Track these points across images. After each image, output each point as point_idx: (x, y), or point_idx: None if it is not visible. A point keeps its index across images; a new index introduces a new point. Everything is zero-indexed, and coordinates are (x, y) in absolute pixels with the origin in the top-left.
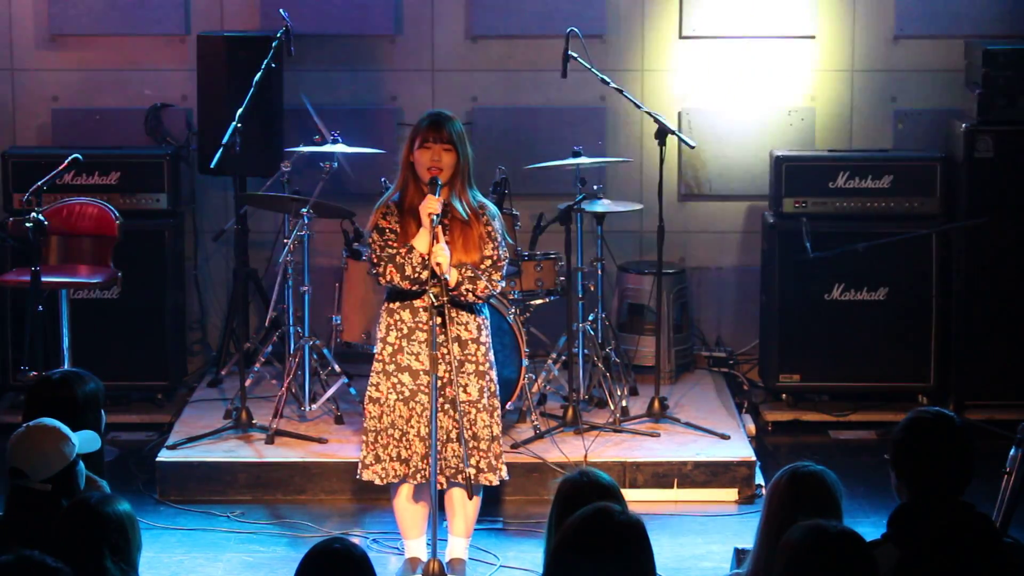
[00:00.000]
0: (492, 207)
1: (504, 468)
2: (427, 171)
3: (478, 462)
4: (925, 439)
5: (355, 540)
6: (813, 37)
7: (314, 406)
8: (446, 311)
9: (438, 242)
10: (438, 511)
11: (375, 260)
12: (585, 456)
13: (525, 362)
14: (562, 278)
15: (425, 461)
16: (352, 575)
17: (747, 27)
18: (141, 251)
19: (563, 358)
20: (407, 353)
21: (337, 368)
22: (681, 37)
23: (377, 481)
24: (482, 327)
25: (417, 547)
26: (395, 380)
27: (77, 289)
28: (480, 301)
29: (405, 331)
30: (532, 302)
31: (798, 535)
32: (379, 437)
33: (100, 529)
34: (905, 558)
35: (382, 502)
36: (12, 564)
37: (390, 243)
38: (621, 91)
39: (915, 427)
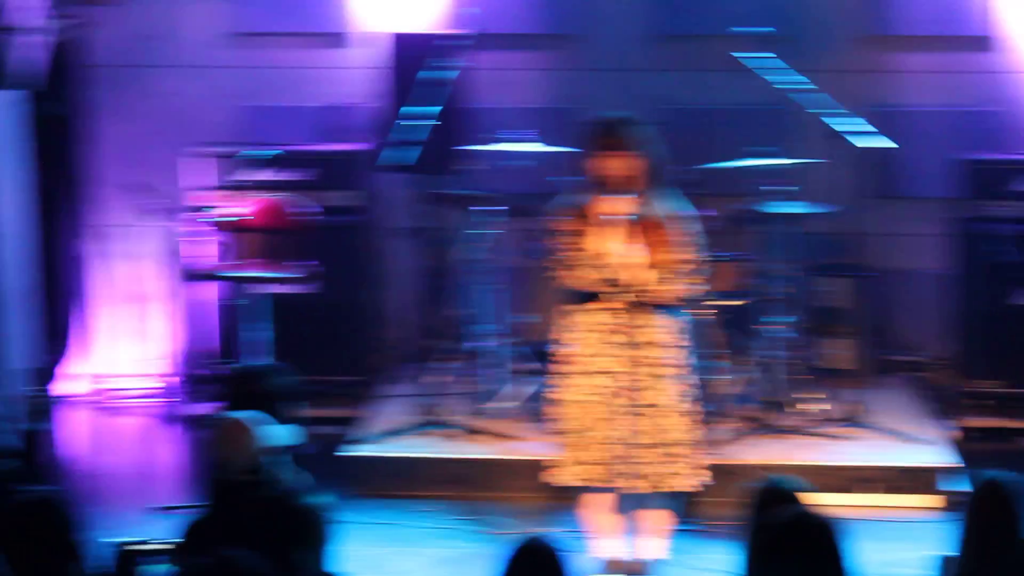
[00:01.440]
0: (687, 207)
1: (704, 474)
2: (608, 175)
3: (681, 467)
4: None
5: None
6: (991, 38)
7: (506, 404)
8: (639, 313)
9: (625, 244)
10: (634, 512)
11: (562, 263)
12: (780, 459)
13: (720, 364)
14: (756, 280)
15: (618, 464)
16: (553, 573)
17: (926, 27)
18: (336, 247)
19: (758, 360)
20: (599, 355)
21: (529, 367)
22: (873, 37)
23: (577, 483)
24: (680, 330)
25: (613, 548)
26: (589, 382)
27: (277, 283)
28: (676, 303)
29: (599, 333)
30: (726, 303)
31: None
32: (571, 440)
33: (297, 521)
34: None
35: (577, 500)
36: (213, 565)
37: (574, 246)
38: (812, 91)
39: None
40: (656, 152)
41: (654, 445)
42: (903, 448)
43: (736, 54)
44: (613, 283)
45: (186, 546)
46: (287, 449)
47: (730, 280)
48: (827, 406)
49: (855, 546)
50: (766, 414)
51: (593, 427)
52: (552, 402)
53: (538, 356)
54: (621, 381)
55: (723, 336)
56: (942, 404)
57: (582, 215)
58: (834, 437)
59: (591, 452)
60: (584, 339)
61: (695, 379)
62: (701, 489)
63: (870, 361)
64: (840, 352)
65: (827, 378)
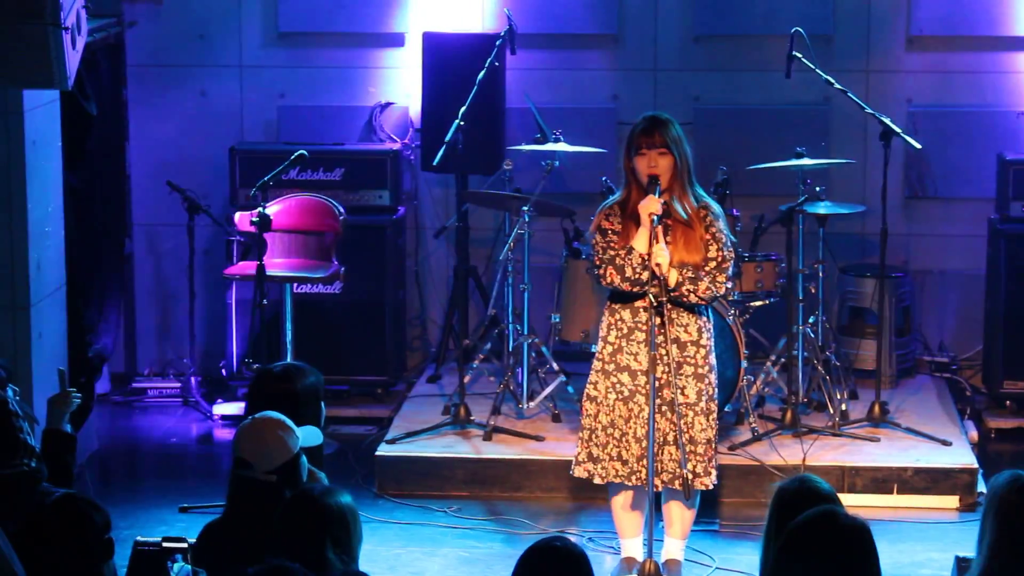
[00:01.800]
0: (716, 207)
1: (715, 473)
2: (645, 175)
3: (695, 466)
4: None
5: (571, 538)
6: None
7: (532, 404)
8: (665, 312)
9: (658, 242)
10: (654, 512)
11: (597, 262)
12: (803, 459)
13: (744, 363)
14: (783, 280)
15: (641, 463)
16: (572, 573)
17: (976, 27)
18: (363, 247)
19: (782, 360)
20: (626, 353)
21: (555, 366)
22: (908, 36)
23: (597, 480)
24: (703, 329)
25: (633, 547)
26: (614, 380)
27: (301, 283)
28: (703, 302)
29: (625, 331)
30: (752, 303)
31: None
32: (595, 436)
33: (322, 521)
34: None
35: (598, 501)
36: (264, 573)
37: (612, 245)
38: (846, 91)
39: None
40: (689, 152)
41: (673, 443)
42: (929, 449)
43: (772, 54)
44: (640, 282)
45: (209, 546)
46: (309, 449)
47: (758, 280)
48: (852, 406)
49: (880, 546)
50: (791, 414)
51: (615, 424)
52: (580, 399)
53: (568, 355)
54: (641, 379)
55: (748, 335)
56: (969, 405)
57: (618, 214)
58: (860, 438)
59: (611, 449)
60: (608, 336)
61: (714, 378)
62: (718, 487)
63: (897, 361)
64: (866, 352)
65: (853, 378)
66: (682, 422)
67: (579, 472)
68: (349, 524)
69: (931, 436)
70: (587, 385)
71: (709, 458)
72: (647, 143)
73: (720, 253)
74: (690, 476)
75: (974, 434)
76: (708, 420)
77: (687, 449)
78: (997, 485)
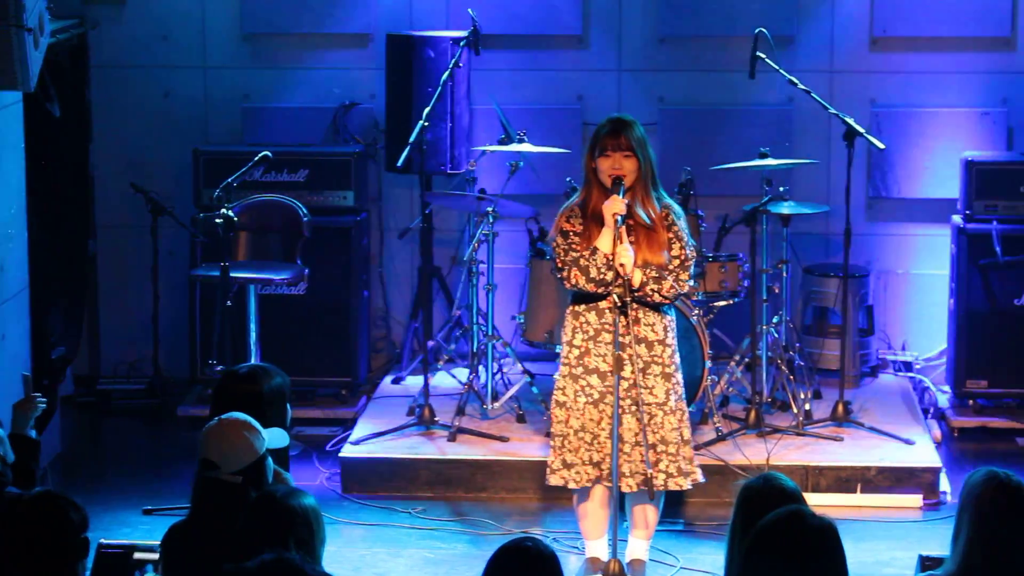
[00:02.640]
0: (677, 208)
1: (699, 472)
2: (607, 175)
3: (667, 466)
4: None
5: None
6: (1008, 38)
7: (496, 404)
8: (631, 312)
9: (621, 242)
10: (619, 512)
11: (560, 264)
12: (767, 459)
13: (708, 363)
14: (747, 280)
15: (608, 463)
16: (541, 574)
17: (939, 28)
18: (328, 248)
19: (746, 360)
20: (594, 355)
21: (520, 367)
22: (872, 37)
23: (572, 485)
24: (668, 328)
25: (598, 547)
26: (583, 383)
27: (265, 285)
28: (667, 301)
29: (591, 333)
30: (716, 303)
31: None
32: (567, 441)
33: (286, 522)
34: None
35: (563, 501)
36: (270, 564)
37: (574, 246)
38: (809, 92)
39: None
40: (653, 154)
41: (642, 444)
42: (892, 448)
43: (736, 55)
44: (605, 282)
45: (173, 548)
46: (274, 451)
47: (722, 280)
48: (816, 406)
49: (846, 546)
50: (756, 414)
51: (586, 428)
52: (544, 399)
53: (533, 355)
54: (610, 380)
55: (712, 335)
56: (932, 405)
57: (579, 215)
58: (823, 437)
59: (583, 453)
60: (573, 340)
61: (681, 377)
62: (689, 488)
63: (860, 361)
64: (830, 352)
65: (817, 378)
66: (651, 422)
67: (555, 480)
68: (313, 525)
69: (894, 435)
70: (555, 391)
71: (686, 458)
72: (612, 145)
73: (683, 252)
74: (661, 476)
75: (937, 433)
76: (680, 420)
77: (658, 449)
78: (973, 483)
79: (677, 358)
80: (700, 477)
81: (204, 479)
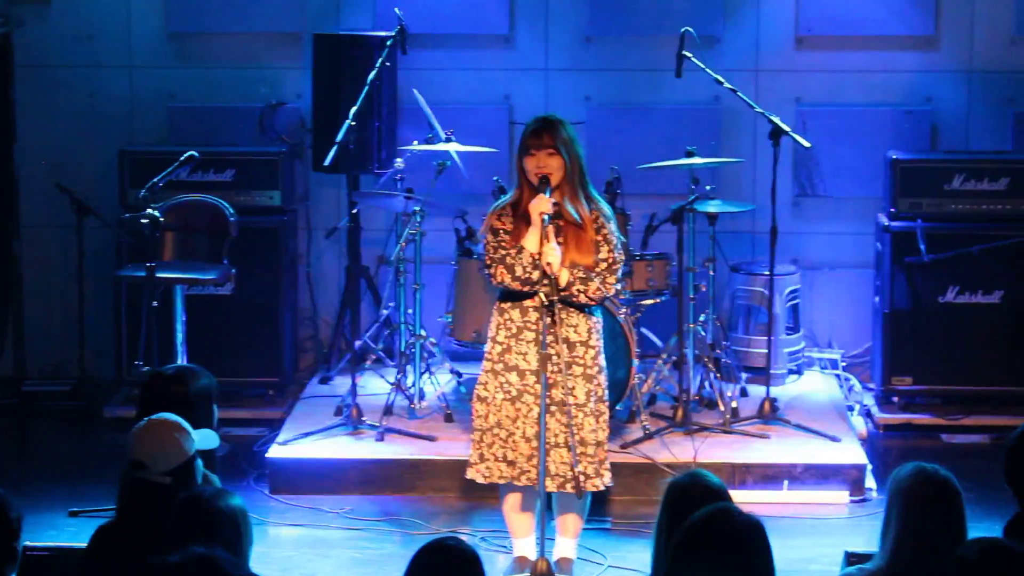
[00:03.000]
0: (607, 209)
1: (608, 475)
2: (533, 174)
3: (585, 467)
4: None
5: (463, 538)
6: (931, 37)
7: (424, 404)
8: (556, 311)
9: (548, 242)
10: (546, 511)
11: (488, 261)
12: (694, 457)
13: (635, 362)
14: (673, 278)
15: (530, 462)
16: (463, 573)
17: (864, 27)
18: (255, 248)
19: (673, 358)
20: (515, 352)
21: (448, 366)
22: (797, 36)
23: (480, 480)
24: (593, 330)
25: (525, 546)
26: (503, 379)
27: (191, 285)
28: (593, 302)
29: (514, 331)
30: (643, 302)
31: (976, 554)
32: (484, 436)
33: (214, 523)
34: None
35: (491, 500)
36: (192, 560)
37: (503, 244)
38: (735, 91)
39: None
40: (582, 154)
41: (564, 444)
42: (818, 445)
43: (663, 54)
44: (530, 281)
45: (101, 549)
46: (202, 451)
47: (649, 278)
48: (743, 404)
49: (772, 542)
50: (683, 412)
51: (501, 424)
52: (471, 399)
53: (460, 355)
54: (529, 378)
55: (639, 334)
56: (858, 402)
57: (510, 214)
58: (750, 435)
59: (497, 449)
60: (497, 336)
61: (604, 379)
62: (605, 489)
63: (787, 359)
64: (757, 350)
65: (744, 376)
66: (572, 422)
67: (471, 474)
68: (240, 526)
69: (820, 432)
70: (477, 385)
71: (600, 460)
72: (535, 144)
73: (611, 255)
74: (580, 476)
75: (863, 430)
76: (598, 421)
77: (578, 451)
78: (901, 478)
79: (601, 360)
80: (608, 481)
81: (132, 480)
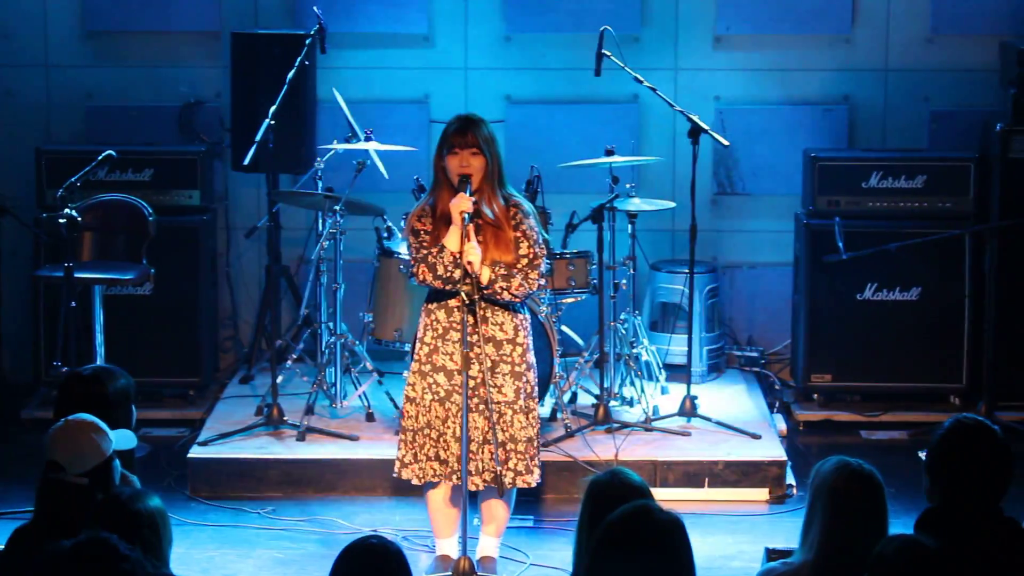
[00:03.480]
0: (527, 205)
1: (537, 472)
2: (453, 173)
3: (516, 464)
4: (966, 448)
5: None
6: (848, 36)
7: (345, 403)
8: (480, 310)
9: (469, 240)
10: (470, 509)
11: (411, 262)
12: (616, 455)
13: (556, 360)
14: (594, 277)
15: (457, 461)
16: (388, 572)
17: (781, 26)
18: (174, 248)
19: (594, 357)
20: (442, 353)
21: (369, 365)
22: (715, 35)
23: (415, 481)
24: (520, 327)
25: (448, 545)
26: (431, 380)
27: (110, 285)
28: (516, 299)
29: (440, 331)
30: (563, 300)
31: (893, 551)
32: (416, 437)
33: (132, 524)
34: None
35: (413, 499)
36: (85, 544)
37: (424, 244)
38: (654, 89)
39: (956, 435)
40: (501, 153)
41: (490, 442)
42: (738, 443)
43: (582, 52)
44: (452, 280)
45: (18, 551)
46: (121, 452)
47: (569, 276)
48: (663, 401)
49: (691, 540)
50: (604, 410)
51: (431, 425)
52: (393, 398)
53: (381, 354)
54: (457, 378)
55: (560, 332)
56: (778, 399)
57: (429, 215)
58: (671, 432)
59: (429, 449)
60: (424, 337)
61: (533, 376)
62: (534, 486)
63: (707, 356)
64: (677, 348)
65: (664, 373)
66: (500, 420)
67: (406, 474)
68: (159, 527)
69: (741, 430)
70: (406, 386)
71: (531, 456)
72: (459, 143)
73: (531, 250)
74: (510, 474)
75: (783, 427)
76: (528, 418)
77: (508, 447)
78: (824, 472)
79: (530, 357)
80: (537, 478)
81: (49, 481)
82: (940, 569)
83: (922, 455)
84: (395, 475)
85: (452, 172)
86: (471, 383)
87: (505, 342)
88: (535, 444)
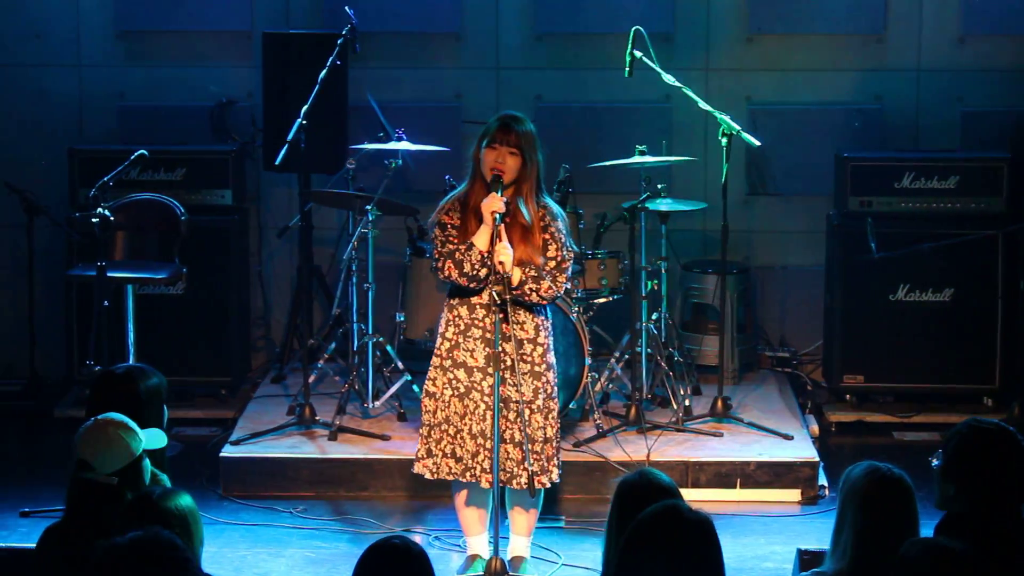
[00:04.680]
0: (555, 208)
1: (556, 471)
2: (490, 170)
3: (532, 464)
4: (985, 451)
5: (416, 537)
6: (880, 36)
7: (377, 403)
8: (502, 310)
9: (500, 241)
10: (500, 509)
11: (436, 255)
12: (647, 455)
13: (588, 361)
14: (625, 277)
15: (476, 459)
16: (410, 572)
17: (813, 26)
18: (206, 247)
19: (626, 357)
20: (463, 349)
21: (400, 365)
22: (747, 35)
23: (428, 475)
24: (540, 328)
25: (479, 544)
26: (451, 376)
27: (142, 284)
28: (544, 302)
29: (462, 327)
30: (595, 301)
31: (918, 554)
32: (432, 432)
33: (163, 523)
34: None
35: (444, 499)
36: (144, 540)
37: (451, 239)
38: (686, 90)
39: (974, 438)
40: (542, 159)
41: (511, 441)
42: (771, 443)
43: (613, 53)
44: (477, 278)
45: (49, 550)
46: (151, 452)
47: (601, 277)
48: (695, 402)
49: (724, 540)
50: (636, 410)
51: (450, 421)
52: (422, 396)
53: (413, 354)
54: (477, 375)
55: (591, 332)
56: (810, 400)
57: (458, 209)
58: (703, 433)
59: (445, 445)
60: (445, 332)
61: (553, 377)
62: (563, 483)
63: (739, 357)
64: (709, 348)
65: (696, 374)
66: (519, 420)
67: (418, 468)
68: (190, 526)
69: (773, 430)
70: (426, 381)
71: (548, 457)
72: (501, 139)
73: (559, 253)
74: (525, 475)
75: (815, 428)
76: (546, 419)
77: (525, 448)
78: (854, 477)
79: (550, 357)
80: (556, 478)
81: (79, 480)
82: (966, 571)
83: (934, 461)
84: (412, 469)
85: (486, 166)
86: (493, 381)
87: (526, 342)
88: (553, 444)
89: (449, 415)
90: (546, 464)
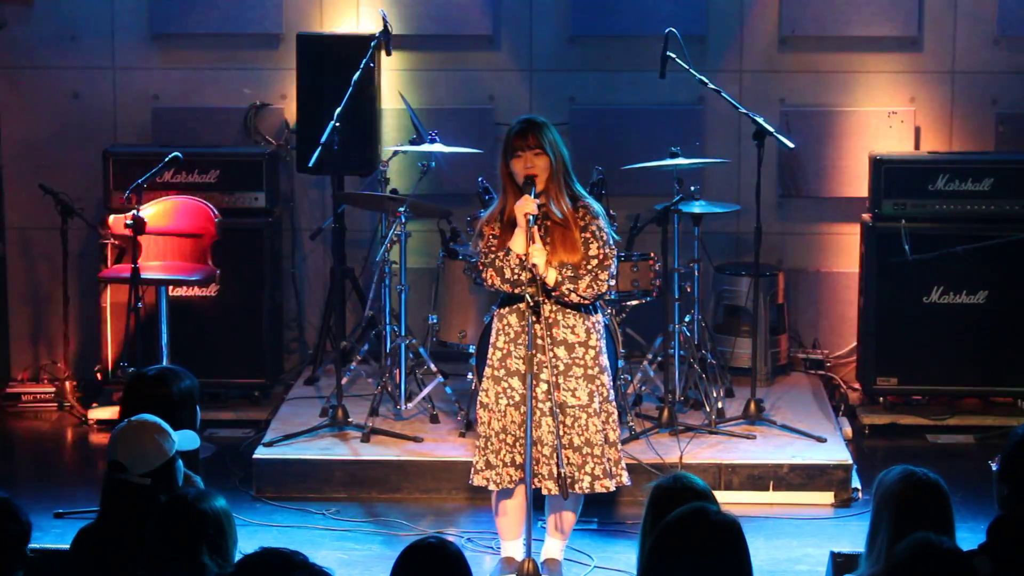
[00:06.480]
0: (596, 205)
1: (625, 475)
2: (520, 175)
3: (592, 468)
4: None
5: (449, 539)
6: (914, 37)
7: (410, 405)
8: (550, 313)
9: (534, 242)
10: (535, 511)
11: (479, 266)
12: (680, 457)
13: (620, 363)
14: (658, 279)
15: (537, 465)
16: (448, 572)
17: (848, 28)
18: (239, 249)
19: (659, 359)
20: (514, 357)
21: (433, 367)
22: (780, 37)
23: (492, 487)
24: (592, 330)
25: (513, 547)
26: (504, 385)
27: (176, 286)
28: (585, 301)
29: (512, 335)
30: (628, 303)
31: (906, 552)
32: (490, 443)
33: (197, 524)
34: (999, 571)
35: (477, 501)
36: (257, 558)
37: (491, 248)
38: (719, 91)
39: None
40: (566, 153)
41: (565, 446)
42: (804, 446)
43: (647, 54)
44: (519, 283)
45: (83, 551)
46: (184, 453)
47: (634, 279)
48: (728, 404)
49: (756, 543)
50: (668, 413)
51: (507, 430)
52: (457, 399)
53: (446, 356)
54: (529, 382)
55: (624, 334)
56: (843, 402)
57: (498, 219)
58: (736, 435)
59: (504, 455)
60: (497, 342)
61: (607, 379)
62: (613, 490)
63: (772, 359)
64: (742, 351)
65: (729, 376)
66: (576, 424)
67: (478, 481)
68: (224, 528)
69: (806, 433)
70: (480, 392)
71: (613, 460)
72: (521, 145)
73: (601, 251)
74: (587, 478)
75: (848, 430)
76: (606, 422)
77: (584, 452)
78: (888, 481)
79: (603, 360)
80: (626, 480)
81: (112, 481)
82: (951, 567)
83: (993, 465)
84: (469, 482)
85: (518, 175)
86: (542, 387)
87: (577, 345)
88: (616, 447)
89: (506, 424)
90: (611, 467)
